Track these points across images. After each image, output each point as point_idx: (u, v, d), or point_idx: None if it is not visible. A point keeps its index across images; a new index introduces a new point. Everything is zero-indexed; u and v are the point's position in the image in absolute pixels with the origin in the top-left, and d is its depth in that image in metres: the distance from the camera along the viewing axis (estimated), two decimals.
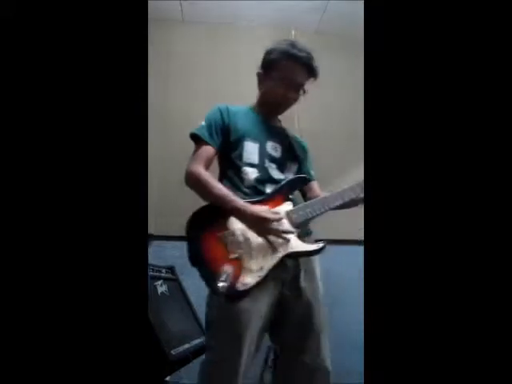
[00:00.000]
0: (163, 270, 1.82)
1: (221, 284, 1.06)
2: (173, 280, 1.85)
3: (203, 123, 1.34)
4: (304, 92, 1.37)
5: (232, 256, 1.18)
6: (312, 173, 1.51)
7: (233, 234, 1.21)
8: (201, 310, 1.80)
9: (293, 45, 1.33)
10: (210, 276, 1.16)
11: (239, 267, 1.17)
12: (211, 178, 1.26)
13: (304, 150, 1.51)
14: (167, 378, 1.61)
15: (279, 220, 1.19)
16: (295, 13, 2.55)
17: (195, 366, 1.56)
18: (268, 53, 1.37)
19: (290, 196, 1.29)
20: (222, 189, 1.23)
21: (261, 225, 1.18)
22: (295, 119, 2.45)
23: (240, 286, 1.15)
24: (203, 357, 1.42)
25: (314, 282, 1.30)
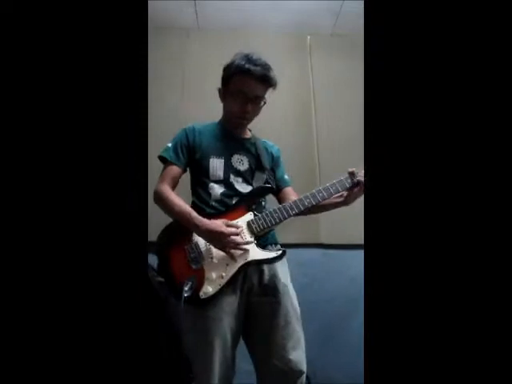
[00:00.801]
0: None
1: (185, 294, 1.14)
2: None
3: (169, 145, 1.43)
4: (264, 103, 1.41)
5: (194, 267, 1.25)
6: (286, 178, 1.55)
7: (196, 245, 1.28)
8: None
9: (248, 59, 1.35)
10: (175, 286, 1.23)
11: (202, 277, 1.24)
12: (173, 195, 1.34)
13: (273, 157, 1.53)
14: None
15: (235, 233, 1.25)
16: (310, 17, 2.54)
17: None
18: (225, 69, 1.42)
19: (253, 206, 1.34)
20: (181, 206, 1.30)
21: (217, 239, 1.23)
22: (312, 122, 2.45)
23: (202, 295, 1.22)
24: None
25: (279, 285, 1.32)
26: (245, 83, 1.35)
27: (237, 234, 1.26)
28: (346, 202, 1.35)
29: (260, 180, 1.44)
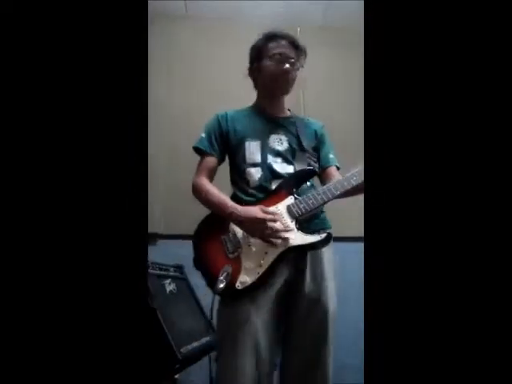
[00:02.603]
0: (171, 269, 1.82)
1: (220, 284, 1.08)
2: (181, 279, 1.85)
3: (203, 135, 1.37)
4: (299, 67, 1.39)
5: (231, 256, 1.19)
6: (331, 157, 1.43)
7: (234, 235, 1.22)
8: (209, 308, 1.81)
9: (275, 31, 1.38)
10: (210, 277, 1.18)
11: (239, 266, 1.17)
12: (210, 186, 1.30)
13: (317, 133, 1.44)
14: (176, 376, 1.61)
15: (272, 219, 1.17)
16: (299, 8, 2.53)
17: (204, 363, 1.57)
18: (253, 48, 1.41)
19: (294, 189, 1.26)
20: (219, 196, 1.26)
21: (254, 226, 1.17)
22: (302, 111, 2.44)
23: (238, 285, 1.15)
24: (211, 355, 1.42)
25: (321, 281, 1.24)
26: (279, 46, 1.35)
27: (275, 221, 1.17)
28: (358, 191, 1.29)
29: (302, 160, 1.34)
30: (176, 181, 2.32)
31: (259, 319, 1.16)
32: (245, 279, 1.15)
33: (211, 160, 1.35)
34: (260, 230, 1.17)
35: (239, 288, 1.15)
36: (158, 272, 1.70)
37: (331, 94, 2.52)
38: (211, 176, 1.35)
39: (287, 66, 1.34)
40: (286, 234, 1.17)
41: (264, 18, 2.55)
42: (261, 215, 1.17)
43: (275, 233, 1.16)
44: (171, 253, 2.05)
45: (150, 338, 1.34)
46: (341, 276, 2.19)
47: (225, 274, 1.10)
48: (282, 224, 1.19)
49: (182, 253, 2.05)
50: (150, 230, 2.11)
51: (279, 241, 1.17)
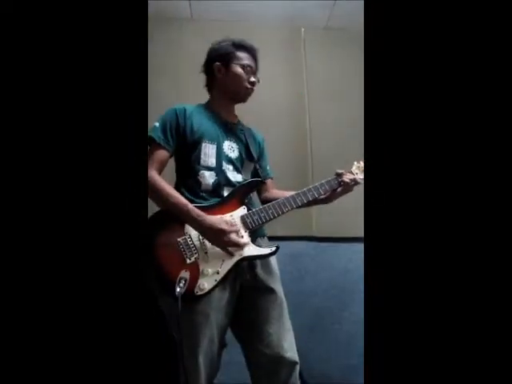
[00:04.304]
0: None
1: (178, 289, 1.08)
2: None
3: (157, 124, 1.32)
4: (258, 81, 1.42)
5: (188, 261, 1.20)
6: (268, 169, 1.53)
7: (190, 238, 1.23)
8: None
9: (241, 41, 1.43)
10: (167, 282, 1.16)
11: (196, 272, 1.19)
12: (165, 184, 1.25)
13: (260, 145, 1.51)
14: None
15: (234, 231, 1.22)
16: (304, 10, 2.53)
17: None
18: (218, 49, 1.43)
19: (245, 200, 1.31)
20: (178, 197, 1.23)
21: (217, 236, 1.20)
22: (306, 114, 2.45)
23: (197, 291, 1.18)
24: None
25: (272, 274, 1.33)
26: (249, 58, 1.40)
27: (235, 232, 1.23)
28: (328, 200, 1.41)
29: (248, 169, 1.41)
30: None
31: (214, 321, 1.20)
32: (203, 286, 1.19)
33: (163, 153, 1.30)
34: (221, 239, 1.20)
35: (198, 294, 1.18)
36: None
37: (334, 94, 2.51)
38: (161, 170, 1.30)
39: (255, 79, 1.40)
40: (242, 245, 1.23)
41: (269, 19, 2.56)
42: (224, 227, 1.20)
43: (234, 243, 1.21)
44: None
45: (151, 336, 1.35)
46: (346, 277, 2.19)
47: (183, 281, 1.12)
48: (238, 235, 1.24)
49: None
50: None
51: (235, 248, 1.22)
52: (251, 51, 1.42)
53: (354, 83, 2.63)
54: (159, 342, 1.43)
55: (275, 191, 1.51)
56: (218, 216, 1.24)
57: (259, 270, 1.31)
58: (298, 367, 1.26)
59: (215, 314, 1.21)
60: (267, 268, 1.33)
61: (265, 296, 1.29)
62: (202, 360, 1.17)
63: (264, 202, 1.43)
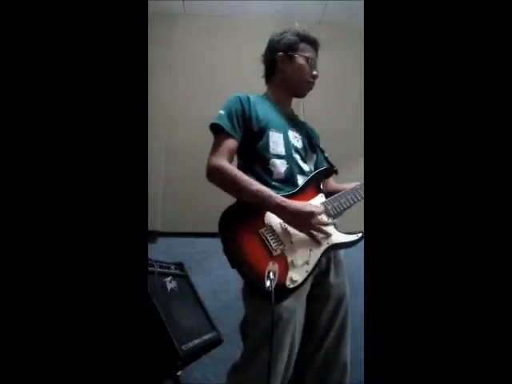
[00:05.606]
0: (172, 267, 1.82)
1: (268, 283, 0.98)
2: (182, 276, 1.85)
3: (222, 112, 1.25)
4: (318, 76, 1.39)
5: (275, 253, 1.11)
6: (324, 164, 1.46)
7: (272, 229, 1.14)
8: (209, 305, 1.81)
9: (305, 33, 1.39)
10: (254, 276, 1.07)
11: (284, 264, 1.10)
12: (240, 173, 1.17)
13: (318, 138, 1.49)
14: (178, 373, 1.62)
15: (321, 214, 1.15)
16: (298, 4, 2.52)
17: (205, 360, 1.57)
18: (283, 37, 1.38)
19: (321, 187, 1.26)
20: (257, 185, 1.14)
21: (303, 220, 1.12)
22: (301, 109, 2.44)
23: (289, 284, 1.09)
24: (213, 352, 1.41)
25: (342, 277, 1.27)
26: (311, 51, 1.37)
27: (320, 216, 1.15)
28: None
29: (311, 160, 1.37)
30: (174, 178, 2.33)
31: (298, 317, 1.12)
32: (295, 277, 1.09)
33: (232, 143, 1.22)
34: (310, 224, 1.12)
35: (290, 287, 1.08)
36: (159, 270, 1.70)
37: (330, 90, 2.51)
38: (231, 160, 1.21)
39: (316, 73, 1.37)
40: (330, 232, 1.16)
41: (262, 14, 2.55)
42: (314, 209, 1.13)
43: (321, 227, 1.14)
44: (171, 251, 2.06)
45: (151, 335, 1.35)
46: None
47: (272, 274, 1.00)
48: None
49: (182, 250, 2.07)
50: (150, 227, 2.11)
51: (321, 235, 1.14)
52: (314, 44, 1.38)
53: (348, 78, 2.64)
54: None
55: (333, 183, 1.43)
56: (301, 201, 1.16)
57: (332, 273, 1.24)
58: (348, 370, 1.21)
59: (301, 310, 1.13)
60: (339, 271, 1.26)
61: (335, 303, 1.22)
62: (282, 358, 1.06)
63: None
